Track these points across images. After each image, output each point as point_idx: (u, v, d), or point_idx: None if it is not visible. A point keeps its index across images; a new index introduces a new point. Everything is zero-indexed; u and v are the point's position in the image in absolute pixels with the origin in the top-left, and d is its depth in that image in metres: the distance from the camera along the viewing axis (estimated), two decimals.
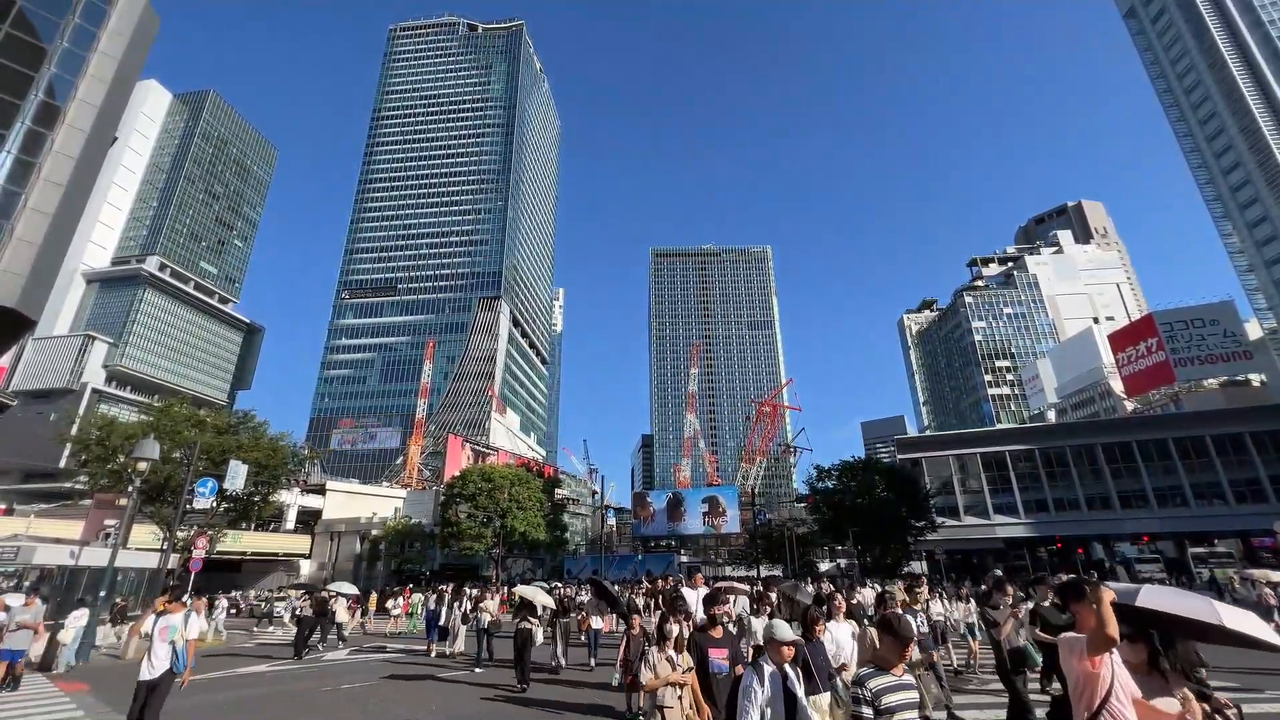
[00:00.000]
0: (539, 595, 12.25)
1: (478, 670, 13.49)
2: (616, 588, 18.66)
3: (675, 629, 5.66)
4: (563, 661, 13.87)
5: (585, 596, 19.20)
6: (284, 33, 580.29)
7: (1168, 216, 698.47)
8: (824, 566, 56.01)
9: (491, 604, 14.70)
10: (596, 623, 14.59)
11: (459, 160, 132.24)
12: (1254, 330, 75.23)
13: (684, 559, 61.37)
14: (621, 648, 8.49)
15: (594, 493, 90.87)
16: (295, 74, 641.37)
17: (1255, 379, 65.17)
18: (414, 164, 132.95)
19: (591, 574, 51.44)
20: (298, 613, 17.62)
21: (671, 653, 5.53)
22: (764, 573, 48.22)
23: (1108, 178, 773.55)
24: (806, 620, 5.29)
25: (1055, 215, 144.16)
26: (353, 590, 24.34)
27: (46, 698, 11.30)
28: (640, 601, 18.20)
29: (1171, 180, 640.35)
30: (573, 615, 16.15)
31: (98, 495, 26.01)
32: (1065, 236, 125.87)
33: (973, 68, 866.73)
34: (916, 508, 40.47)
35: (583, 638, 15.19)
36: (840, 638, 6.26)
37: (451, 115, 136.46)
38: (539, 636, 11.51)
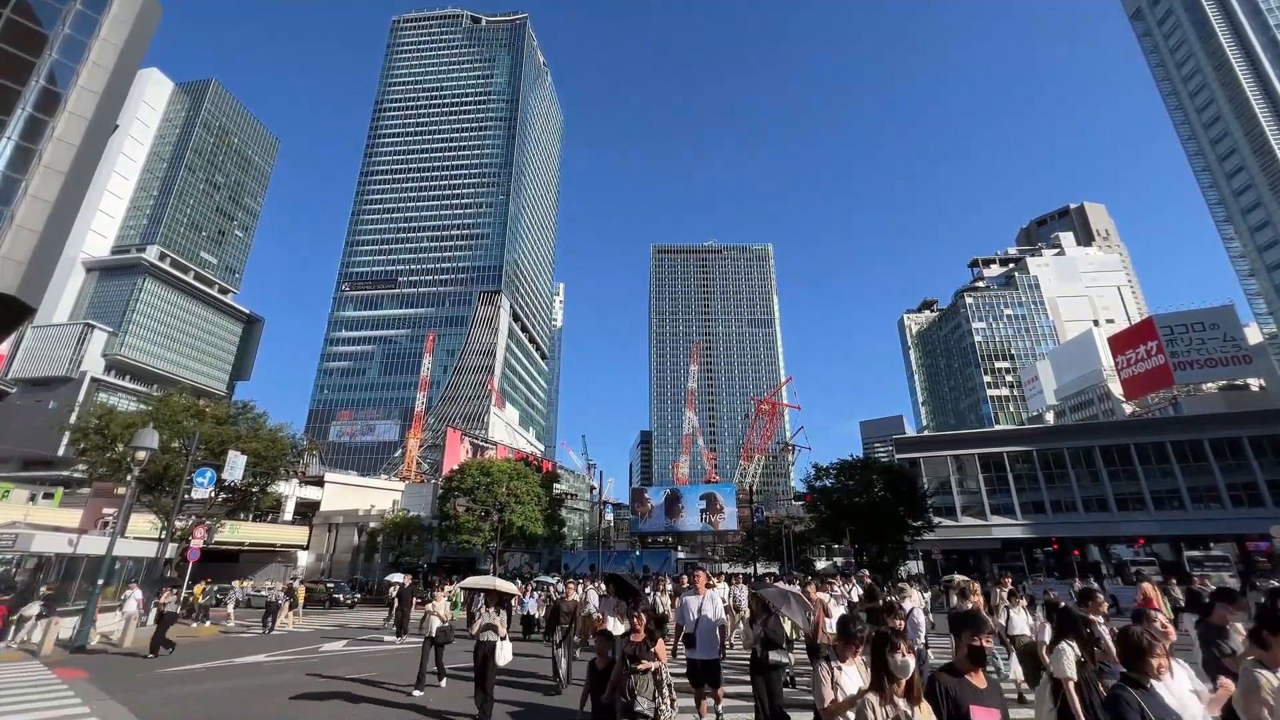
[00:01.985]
0: (499, 584, 9.51)
1: (417, 694, 10.30)
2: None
3: (910, 662, 3.43)
4: (562, 677, 11.13)
5: (592, 594, 16.97)
6: (286, 23, 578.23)
7: (1170, 219, 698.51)
8: (820, 564, 56.21)
9: (441, 605, 11.53)
10: (615, 627, 11.53)
11: (461, 153, 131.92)
12: (1254, 335, 75.33)
13: (681, 555, 61.55)
14: (588, 676, 5.95)
15: (592, 488, 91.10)
16: (297, 65, 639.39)
17: (1254, 383, 65.29)
18: (416, 157, 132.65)
19: (590, 569, 51.49)
20: (162, 608, 15.65)
21: (904, 706, 3.35)
22: (761, 570, 48.40)
23: (1110, 179, 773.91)
24: (1132, 645, 3.28)
25: (1057, 217, 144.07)
26: (405, 579, 24.45)
27: (43, 684, 11.32)
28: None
29: (1174, 183, 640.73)
30: (573, 619, 13.46)
31: (97, 484, 26.05)
32: (1067, 238, 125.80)
33: (976, 67, 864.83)
34: (914, 507, 40.54)
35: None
36: (1179, 688, 3.40)
37: (454, 108, 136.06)
38: (505, 653, 8.47)
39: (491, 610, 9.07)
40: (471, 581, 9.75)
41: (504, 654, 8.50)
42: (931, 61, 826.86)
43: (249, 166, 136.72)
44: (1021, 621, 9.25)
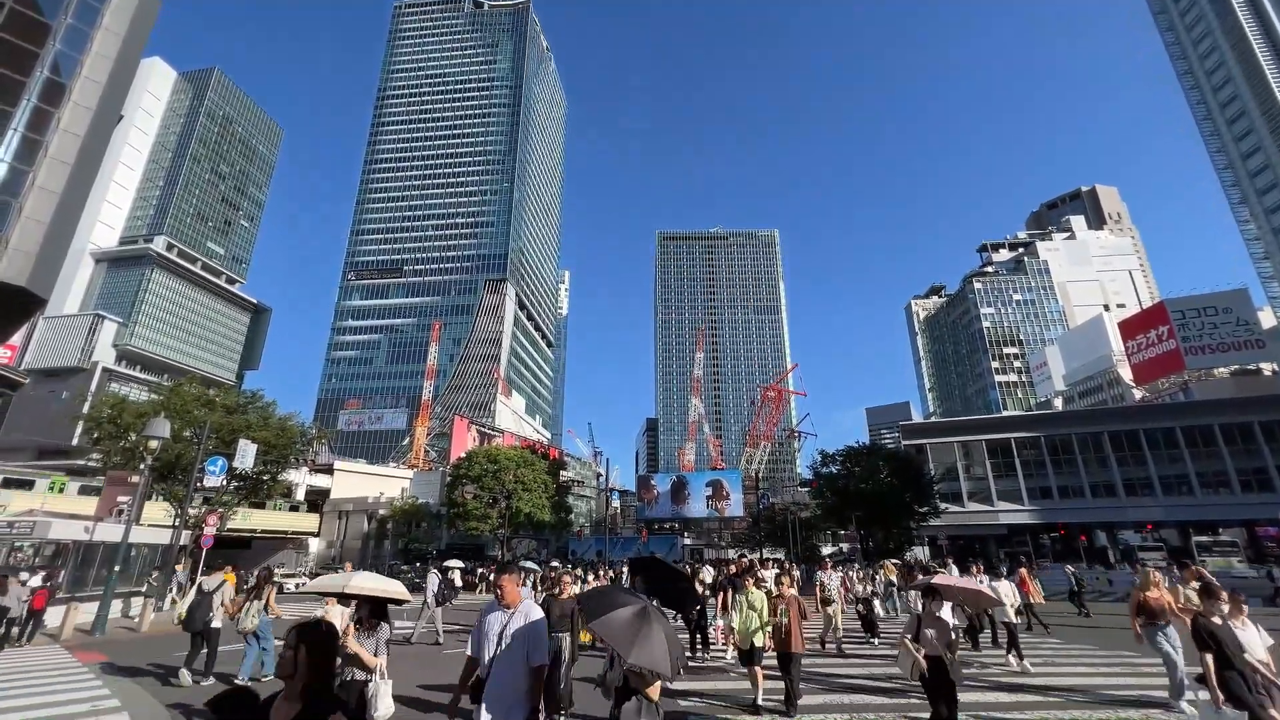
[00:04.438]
0: (390, 585, 6.19)
1: None
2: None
3: None
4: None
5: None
6: (286, 15, 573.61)
7: (1184, 203, 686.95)
8: (826, 550, 56.51)
9: (339, 613, 7.65)
10: None
11: (465, 140, 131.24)
12: (1267, 319, 74.29)
13: (688, 541, 61.99)
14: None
15: (599, 475, 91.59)
16: (299, 58, 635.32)
17: (1267, 368, 64.52)
18: (419, 145, 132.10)
19: (597, 555, 51.71)
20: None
21: None
22: (767, 556, 48.60)
23: (1123, 162, 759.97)
24: None
25: (1068, 200, 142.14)
26: (460, 564, 25.25)
27: (65, 668, 11.58)
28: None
29: (1188, 165, 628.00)
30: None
31: (111, 472, 26.46)
32: (1078, 222, 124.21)
33: (986, 50, 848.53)
34: (920, 493, 40.55)
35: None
36: None
37: (457, 95, 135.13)
38: (385, 703, 5.51)
39: (360, 634, 5.55)
40: (321, 583, 6.52)
41: (383, 705, 5.40)
42: (943, 44, 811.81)
43: (253, 156, 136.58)
44: (1255, 640, 5.93)
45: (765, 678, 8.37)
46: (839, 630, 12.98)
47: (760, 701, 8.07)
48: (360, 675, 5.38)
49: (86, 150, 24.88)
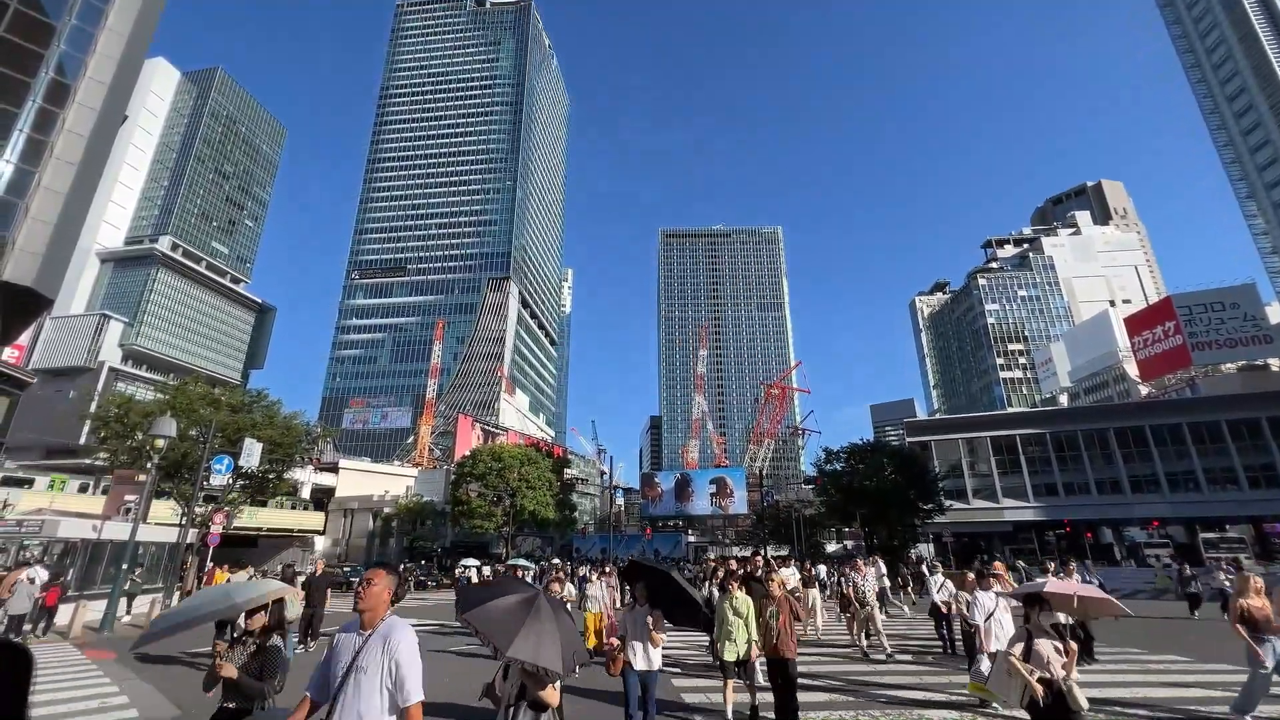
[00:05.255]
0: (248, 593, 5.15)
1: None
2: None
3: None
4: None
5: (596, 588, 12.77)
6: (289, 10, 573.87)
7: (1189, 197, 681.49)
8: (831, 548, 56.44)
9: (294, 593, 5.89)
10: (643, 658, 6.22)
11: (467, 139, 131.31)
12: (1275, 314, 73.63)
13: (692, 539, 62.04)
14: None
15: (602, 473, 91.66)
16: (301, 57, 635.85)
17: (1275, 364, 63.98)
18: (422, 143, 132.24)
19: (601, 552, 51.72)
20: None
21: None
22: (770, 553, 48.58)
23: (1127, 159, 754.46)
24: None
25: (1074, 195, 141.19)
26: (531, 565, 25.56)
27: (74, 665, 11.67)
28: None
29: (1194, 160, 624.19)
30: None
31: (118, 471, 26.62)
32: (1083, 217, 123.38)
33: (986, 49, 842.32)
34: (924, 490, 40.41)
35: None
36: None
37: (459, 93, 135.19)
38: None
39: (238, 652, 4.56)
40: (188, 615, 5.13)
41: None
42: (947, 40, 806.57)
43: (257, 155, 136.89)
44: None
45: (757, 688, 7.81)
46: (871, 634, 12.49)
47: (730, 714, 7.29)
48: (235, 704, 4.35)
49: (91, 151, 24.97)
